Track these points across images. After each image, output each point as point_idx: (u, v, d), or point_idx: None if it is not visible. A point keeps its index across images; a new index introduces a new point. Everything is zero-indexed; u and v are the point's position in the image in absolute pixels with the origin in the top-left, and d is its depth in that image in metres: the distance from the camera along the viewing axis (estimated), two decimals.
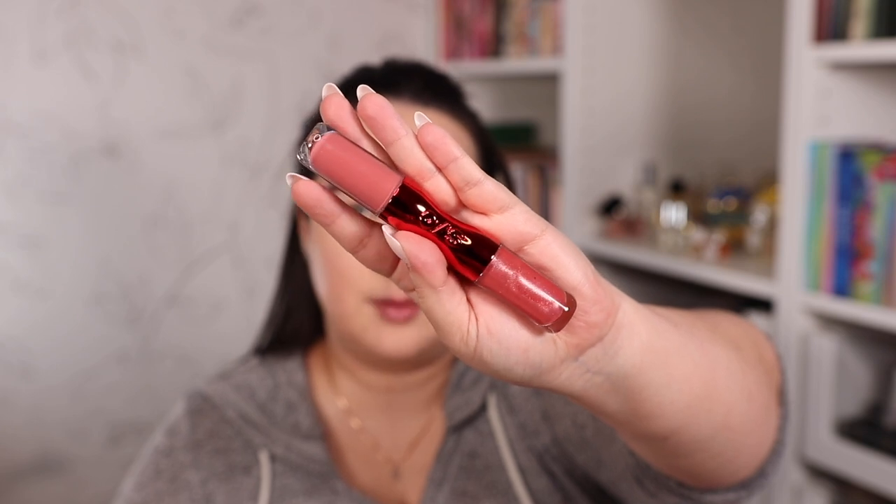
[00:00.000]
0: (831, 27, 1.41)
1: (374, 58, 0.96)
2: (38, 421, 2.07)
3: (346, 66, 0.99)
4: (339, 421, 0.92)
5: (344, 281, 0.84)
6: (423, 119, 0.44)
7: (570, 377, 0.49)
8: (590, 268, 0.47)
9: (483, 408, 0.89)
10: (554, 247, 0.45)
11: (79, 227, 2.07)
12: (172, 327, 2.19)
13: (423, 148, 0.44)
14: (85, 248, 2.08)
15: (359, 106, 0.44)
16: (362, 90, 0.44)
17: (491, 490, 0.85)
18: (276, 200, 2.25)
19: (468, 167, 0.44)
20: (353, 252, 0.47)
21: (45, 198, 2.03)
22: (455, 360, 0.92)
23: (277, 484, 0.86)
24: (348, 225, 0.46)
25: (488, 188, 0.44)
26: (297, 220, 0.94)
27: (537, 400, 0.86)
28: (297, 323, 0.95)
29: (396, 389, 0.91)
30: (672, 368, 0.53)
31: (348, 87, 0.77)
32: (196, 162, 2.16)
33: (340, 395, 0.93)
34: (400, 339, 0.85)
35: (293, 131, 1.96)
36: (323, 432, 0.88)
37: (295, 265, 0.95)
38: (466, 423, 0.88)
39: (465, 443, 0.87)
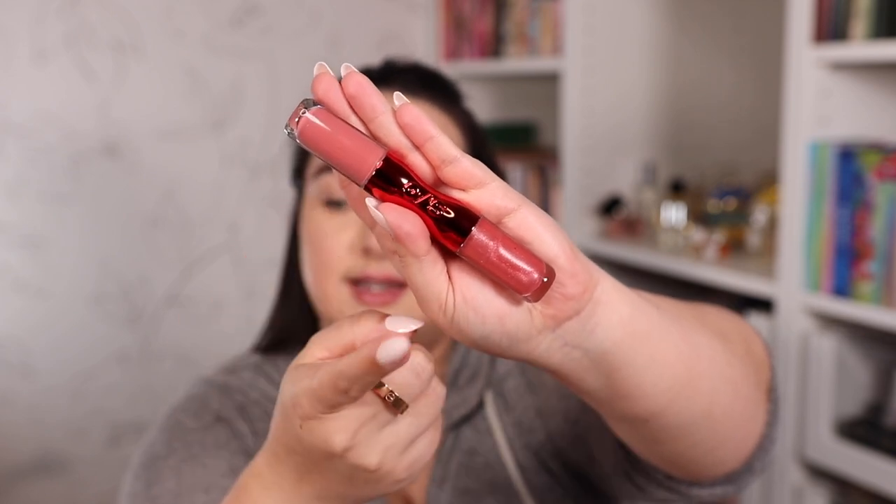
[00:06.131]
0: (831, 27, 1.41)
1: (375, 58, 0.97)
2: (38, 421, 2.07)
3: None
4: None
5: (325, 263, 0.84)
6: (402, 99, 0.46)
7: (549, 349, 0.50)
8: (567, 242, 0.47)
9: (480, 405, 0.88)
10: (531, 220, 0.46)
11: (79, 227, 2.07)
12: (172, 327, 2.19)
13: (401, 127, 0.46)
14: (85, 248, 2.08)
15: (342, 84, 0.45)
16: (345, 69, 0.46)
17: (492, 488, 0.84)
18: (276, 200, 2.25)
19: (445, 145, 0.45)
20: (343, 187, 0.49)
21: (45, 198, 2.03)
22: (449, 357, 0.92)
23: None
24: None
25: (465, 165, 0.46)
26: (297, 218, 0.93)
27: (531, 397, 0.86)
28: (296, 322, 0.95)
29: None
30: (652, 349, 0.53)
31: None
32: (196, 162, 2.16)
33: None
34: None
35: None
36: None
37: (295, 265, 0.94)
38: (464, 421, 0.88)
39: (463, 440, 0.87)
